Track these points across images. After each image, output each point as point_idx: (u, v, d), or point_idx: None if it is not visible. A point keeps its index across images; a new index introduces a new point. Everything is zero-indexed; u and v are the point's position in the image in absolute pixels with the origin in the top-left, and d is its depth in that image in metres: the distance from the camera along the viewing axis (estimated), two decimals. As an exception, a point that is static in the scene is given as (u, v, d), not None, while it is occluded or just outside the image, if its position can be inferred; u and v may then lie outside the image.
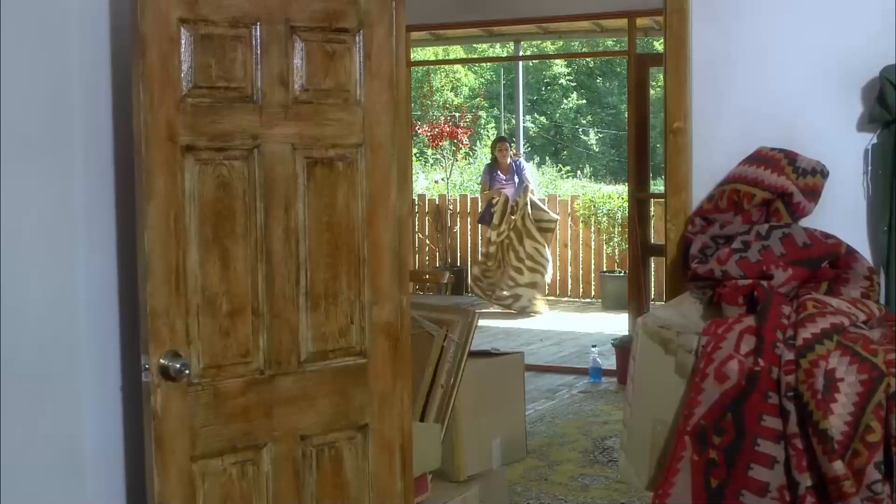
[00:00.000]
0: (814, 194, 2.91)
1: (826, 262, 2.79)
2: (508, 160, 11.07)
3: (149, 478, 2.59)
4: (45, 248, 2.67)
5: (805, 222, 2.91)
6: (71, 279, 2.73)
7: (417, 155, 16.35)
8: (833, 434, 2.36)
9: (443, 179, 14.22)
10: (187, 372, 2.59)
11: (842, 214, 2.95)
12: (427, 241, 12.04)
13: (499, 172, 11.06)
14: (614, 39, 14.60)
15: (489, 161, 11.56)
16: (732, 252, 2.82)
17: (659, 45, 13.04)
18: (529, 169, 12.69)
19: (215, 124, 2.65)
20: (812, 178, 2.90)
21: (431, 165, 16.86)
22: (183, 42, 2.59)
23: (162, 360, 2.56)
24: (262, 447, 2.77)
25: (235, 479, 2.73)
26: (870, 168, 2.93)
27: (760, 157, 2.96)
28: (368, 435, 2.98)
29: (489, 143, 18.25)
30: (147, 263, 2.55)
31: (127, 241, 2.78)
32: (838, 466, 2.33)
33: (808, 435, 2.41)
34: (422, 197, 12.87)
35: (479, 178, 11.95)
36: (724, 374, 2.53)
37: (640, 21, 7.96)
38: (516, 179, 11.02)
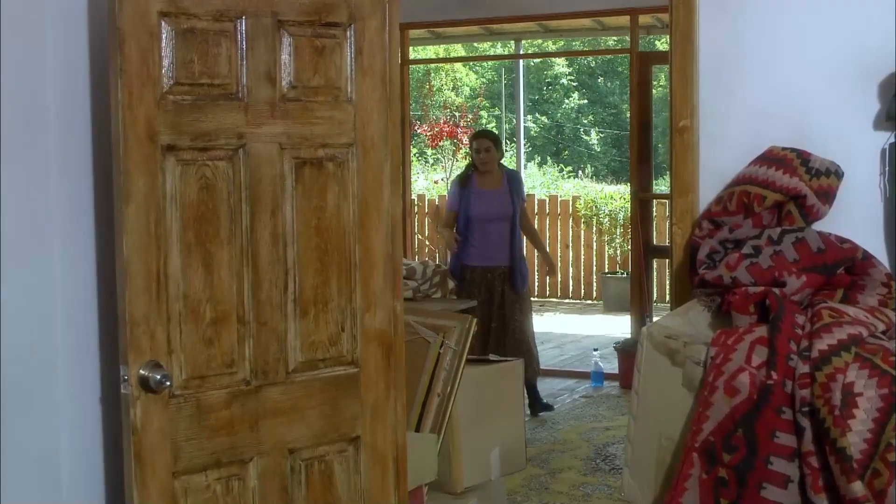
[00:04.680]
0: (828, 196, 2.87)
1: (841, 269, 2.73)
2: (496, 169, 6.71)
3: (128, 495, 2.52)
4: (19, 252, 2.59)
5: (819, 226, 2.86)
6: (47, 285, 2.66)
7: (417, 155, 16.32)
8: (851, 452, 2.29)
9: (443, 180, 14.18)
10: (168, 383, 2.51)
11: (857, 217, 2.90)
12: (427, 242, 11.97)
13: (478, 189, 6.66)
14: (616, 38, 14.56)
15: (463, 171, 7.02)
16: (742, 257, 2.77)
17: (661, 45, 13.00)
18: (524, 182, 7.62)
19: (198, 123, 2.57)
20: (826, 180, 2.85)
21: (431, 165, 16.82)
22: (163, 36, 2.51)
23: (142, 371, 2.48)
24: (248, 462, 2.69)
25: (220, 496, 2.65)
26: (887, 169, 2.89)
27: (771, 158, 2.91)
28: (360, 448, 2.90)
29: (489, 142, 18.15)
30: (126, 269, 2.47)
31: (106, 245, 2.71)
32: (857, 487, 2.26)
33: (824, 453, 2.34)
34: (421, 197, 12.83)
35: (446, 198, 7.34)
36: (734, 388, 2.46)
37: (642, 19, 7.94)
38: (512, 203, 6.63)
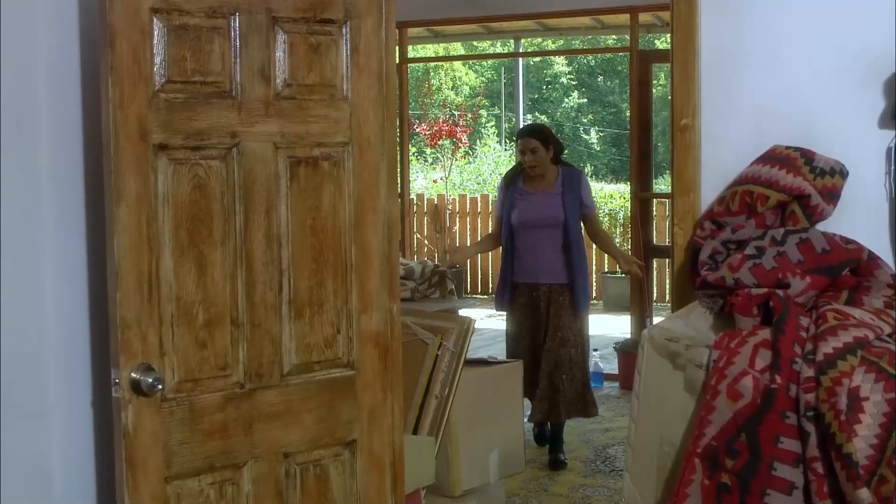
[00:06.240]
0: (832, 196, 2.83)
1: (846, 270, 2.69)
2: (550, 169, 5.63)
3: (120, 500, 2.47)
4: (9, 253, 2.54)
5: (823, 226, 2.82)
6: (38, 287, 2.61)
7: (416, 154, 16.29)
8: (858, 458, 2.24)
9: (442, 179, 14.14)
10: (160, 386, 2.46)
11: (862, 217, 2.86)
12: (426, 242, 11.93)
13: (523, 190, 5.65)
14: (615, 37, 14.53)
15: (511, 170, 6.00)
16: (745, 258, 2.72)
17: (660, 43, 12.97)
18: (589, 185, 5.89)
19: (191, 121, 2.53)
20: (831, 179, 2.81)
21: (430, 165, 16.79)
22: (155, 33, 2.47)
23: (133, 374, 2.44)
24: (242, 466, 2.65)
25: (214, 501, 2.61)
26: (892, 168, 2.85)
27: (775, 157, 2.88)
28: (357, 451, 2.86)
29: (489, 141, 18.17)
30: (117, 270, 2.43)
31: (98, 246, 2.66)
32: (864, 494, 2.21)
33: (829, 459, 2.29)
34: (420, 196, 12.80)
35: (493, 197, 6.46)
36: (737, 392, 2.41)
37: (642, 17, 7.91)
38: (563, 208, 5.54)
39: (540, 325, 5.53)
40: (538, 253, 5.53)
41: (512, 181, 5.73)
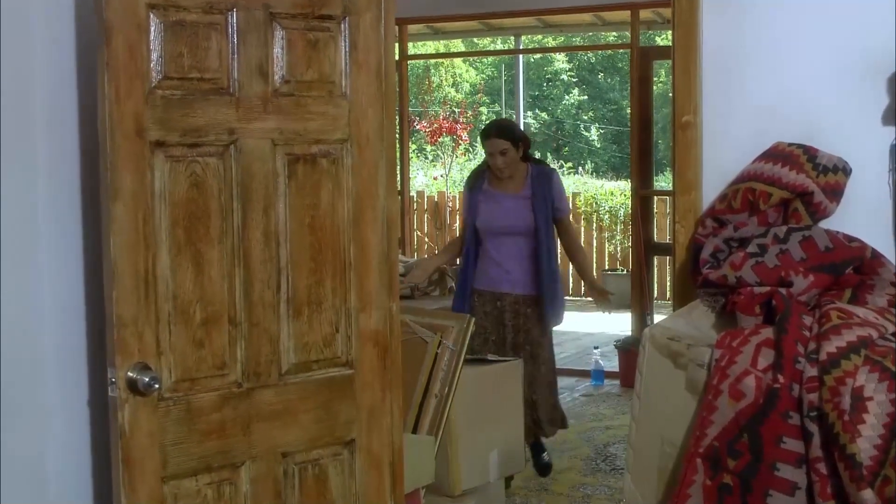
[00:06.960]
0: (835, 194, 2.79)
1: (850, 268, 2.66)
2: (521, 169, 5.14)
3: (116, 500, 2.45)
4: (6, 252, 2.53)
5: (826, 224, 2.79)
6: (34, 286, 2.60)
7: (416, 151, 16.27)
8: (861, 459, 2.20)
9: (442, 176, 14.12)
10: (157, 386, 2.45)
11: (866, 215, 2.83)
12: (426, 239, 11.91)
13: (487, 191, 5.18)
14: (615, 34, 14.49)
15: (475, 169, 5.54)
16: (747, 256, 2.69)
17: (661, 40, 12.93)
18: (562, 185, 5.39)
19: (188, 118, 2.51)
20: (834, 176, 2.78)
21: (431, 162, 16.77)
22: (152, 29, 2.45)
23: (130, 374, 2.42)
24: (239, 466, 2.64)
25: (211, 501, 2.59)
26: (895, 165, 2.82)
27: (777, 154, 2.84)
28: (356, 451, 2.84)
29: (489, 139, 18.09)
30: (113, 269, 2.41)
31: (94, 244, 2.64)
32: (868, 495, 2.18)
33: (833, 459, 2.25)
34: (420, 194, 12.78)
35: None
36: (739, 392, 2.38)
37: (642, 14, 7.90)
38: (532, 212, 5.07)
39: (505, 339, 5.07)
40: (504, 261, 5.09)
41: (476, 181, 5.24)
